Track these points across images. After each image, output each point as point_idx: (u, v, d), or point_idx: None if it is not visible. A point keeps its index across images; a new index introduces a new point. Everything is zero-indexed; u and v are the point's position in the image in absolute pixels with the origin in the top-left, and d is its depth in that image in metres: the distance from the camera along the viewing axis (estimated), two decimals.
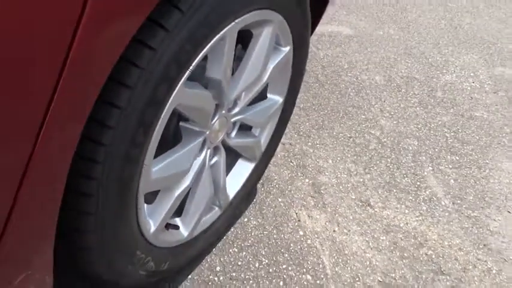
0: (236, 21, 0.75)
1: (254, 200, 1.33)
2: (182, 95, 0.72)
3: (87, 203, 0.65)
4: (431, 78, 2.00)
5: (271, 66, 0.98)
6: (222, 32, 0.73)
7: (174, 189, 0.87)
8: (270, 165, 1.44)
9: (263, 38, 0.89)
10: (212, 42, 0.72)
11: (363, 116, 1.71)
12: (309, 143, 1.56)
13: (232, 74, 0.91)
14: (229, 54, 0.79)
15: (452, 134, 1.72)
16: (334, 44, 2.08)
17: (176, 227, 0.96)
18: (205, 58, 0.78)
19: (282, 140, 1.55)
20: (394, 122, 1.72)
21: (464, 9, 2.62)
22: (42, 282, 0.70)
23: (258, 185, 1.37)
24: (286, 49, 1.02)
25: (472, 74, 2.07)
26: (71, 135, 0.53)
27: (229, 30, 0.75)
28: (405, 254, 1.28)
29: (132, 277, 0.86)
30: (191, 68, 0.70)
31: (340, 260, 1.23)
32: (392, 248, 1.29)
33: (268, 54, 0.93)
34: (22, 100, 0.45)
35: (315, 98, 1.75)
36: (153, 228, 0.86)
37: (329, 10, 2.34)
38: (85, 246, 0.71)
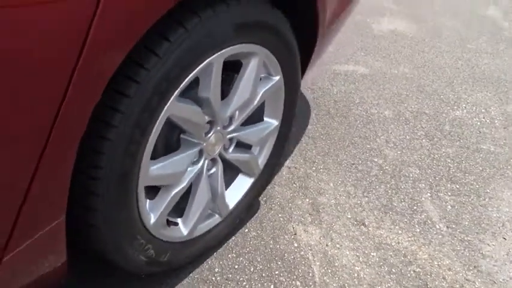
0: (220, 52, 0.95)
1: (256, 214, 1.48)
2: (174, 107, 0.91)
3: (96, 186, 0.84)
4: (441, 113, 2.10)
5: (260, 92, 1.17)
6: (207, 60, 0.93)
7: (171, 188, 1.05)
8: (274, 185, 1.60)
9: (250, 67, 1.08)
10: (199, 67, 0.92)
11: (368, 146, 1.84)
12: (313, 168, 1.70)
13: (227, 96, 1.10)
14: (217, 78, 0.99)
15: (455, 164, 1.80)
16: (348, 81, 2.25)
17: (176, 224, 1.13)
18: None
19: (288, 163, 1.71)
20: (398, 152, 1.83)
21: (484, 51, 2.71)
22: (58, 255, 0.88)
23: (261, 202, 1.52)
24: (277, 78, 1.21)
25: (483, 110, 2.15)
26: (75, 132, 0.73)
27: (215, 59, 0.95)
28: (393, 270, 1.36)
29: (133, 260, 1.03)
30: (181, 85, 0.90)
31: (329, 271, 1.34)
32: (381, 263, 1.38)
33: (256, 81, 1.12)
34: (38, 101, 0.65)
35: (323, 128, 1.90)
36: (153, 220, 1.03)
37: (347, 51, 2.52)
38: (94, 224, 0.90)
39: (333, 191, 1.61)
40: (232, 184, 1.33)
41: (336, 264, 1.36)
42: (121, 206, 0.92)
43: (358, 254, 1.40)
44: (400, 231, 1.49)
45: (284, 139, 1.40)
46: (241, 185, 1.34)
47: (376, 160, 1.77)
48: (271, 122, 1.31)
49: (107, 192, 0.86)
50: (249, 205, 1.42)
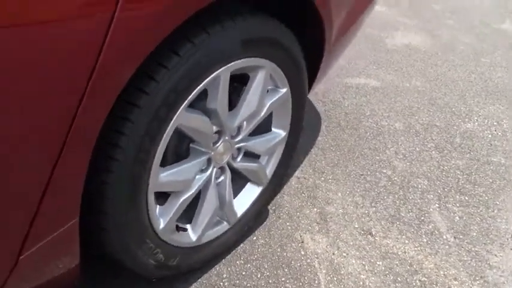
0: (227, 66, 1.00)
1: (264, 222, 1.52)
2: (183, 117, 0.97)
3: (107, 190, 0.90)
4: (452, 126, 2.11)
5: (267, 103, 1.22)
6: (214, 74, 0.98)
7: (180, 195, 1.10)
8: (283, 194, 1.64)
9: (257, 80, 1.14)
10: (206, 80, 0.97)
11: (377, 157, 1.87)
12: (322, 178, 1.73)
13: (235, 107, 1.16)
14: (224, 90, 1.04)
15: (465, 176, 1.80)
16: (360, 94, 2.28)
17: (184, 230, 1.18)
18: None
19: (297, 173, 1.75)
20: (407, 164, 1.84)
21: (498, 64, 2.71)
22: (72, 257, 0.94)
23: (270, 210, 1.56)
24: (284, 90, 1.26)
25: (495, 123, 2.15)
26: (88, 139, 0.79)
27: (222, 72, 1.00)
28: (399, 279, 1.38)
29: (142, 263, 1.08)
30: (189, 97, 0.96)
31: (335, 279, 1.36)
32: (387, 272, 1.40)
33: (263, 93, 1.17)
34: (54, 112, 0.72)
35: (333, 140, 1.94)
36: (162, 225, 1.09)
37: (359, 64, 2.56)
38: (105, 227, 0.95)
39: (341, 200, 1.64)
40: (240, 192, 1.38)
41: (342, 272, 1.38)
42: (131, 210, 0.97)
43: (364, 262, 1.42)
44: (406, 241, 1.51)
45: (292, 149, 1.45)
46: (250, 193, 1.39)
47: (385, 171, 1.79)
48: (279, 133, 1.36)
49: (117, 196, 0.92)
50: (258, 213, 1.46)
